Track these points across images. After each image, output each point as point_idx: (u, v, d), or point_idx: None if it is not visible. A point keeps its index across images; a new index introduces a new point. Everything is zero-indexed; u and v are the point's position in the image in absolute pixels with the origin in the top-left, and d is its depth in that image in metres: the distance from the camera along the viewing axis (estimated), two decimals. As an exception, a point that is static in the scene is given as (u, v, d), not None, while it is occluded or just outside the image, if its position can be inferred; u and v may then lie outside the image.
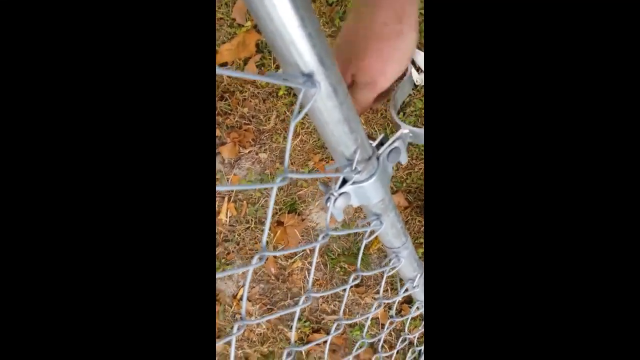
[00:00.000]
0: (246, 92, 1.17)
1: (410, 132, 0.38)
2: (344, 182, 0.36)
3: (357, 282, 0.46)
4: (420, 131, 0.37)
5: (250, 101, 1.16)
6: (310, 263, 1.08)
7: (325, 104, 0.27)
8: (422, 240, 1.04)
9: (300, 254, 1.09)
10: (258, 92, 1.16)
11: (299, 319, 1.07)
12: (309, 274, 1.08)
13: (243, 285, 1.11)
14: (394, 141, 0.37)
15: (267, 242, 1.08)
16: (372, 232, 0.44)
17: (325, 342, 0.50)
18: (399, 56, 0.34)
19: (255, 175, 1.12)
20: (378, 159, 0.37)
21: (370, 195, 0.38)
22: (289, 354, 0.40)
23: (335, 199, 0.36)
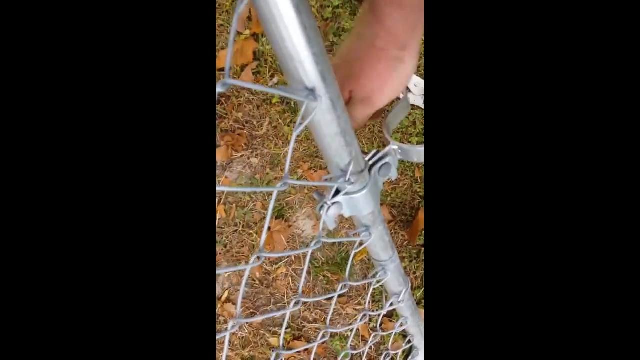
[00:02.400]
0: (242, 97, 1.18)
1: (400, 149, 0.40)
2: (337, 192, 0.37)
3: (344, 291, 0.48)
4: (409, 148, 0.39)
5: (245, 106, 1.18)
6: (295, 270, 1.09)
7: (324, 117, 0.29)
8: (404, 254, 1.06)
9: (285, 260, 1.09)
10: (253, 99, 1.18)
11: (281, 325, 1.07)
12: (293, 280, 1.08)
13: (228, 288, 1.10)
14: (384, 156, 0.39)
15: (253, 246, 1.08)
16: (361, 243, 0.45)
17: (306, 350, 0.51)
18: (397, 79, 0.35)
19: (245, 180, 1.13)
20: (370, 172, 0.39)
21: (361, 206, 0.39)
22: (277, 356, 0.41)
23: (329, 208, 0.37)
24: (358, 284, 0.53)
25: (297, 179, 1.12)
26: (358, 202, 0.39)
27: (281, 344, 0.38)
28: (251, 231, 1.11)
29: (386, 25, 0.32)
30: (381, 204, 1.09)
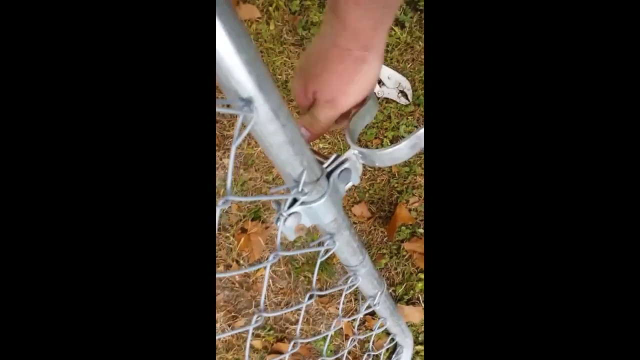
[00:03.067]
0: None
1: (360, 153, 0.38)
2: (295, 202, 0.35)
3: (312, 300, 0.46)
4: (370, 152, 0.37)
5: (216, 106, 1.14)
6: (275, 271, 1.07)
7: (266, 128, 0.27)
8: (384, 250, 1.05)
9: (265, 261, 1.07)
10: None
11: (263, 327, 1.06)
12: (273, 282, 1.07)
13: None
14: (342, 162, 0.37)
15: (230, 249, 1.05)
16: (326, 251, 0.44)
17: (289, 353, 0.49)
18: (361, 80, 0.33)
19: (219, 181, 1.10)
20: (329, 179, 0.37)
21: (321, 215, 0.38)
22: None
23: (285, 219, 0.35)
24: (327, 292, 0.52)
25: (273, 179, 1.10)
26: (317, 211, 0.37)
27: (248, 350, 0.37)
28: (227, 234, 1.08)
29: (346, 24, 0.30)
30: (359, 201, 1.08)
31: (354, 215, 1.06)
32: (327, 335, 0.54)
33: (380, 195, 1.07)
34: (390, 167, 1.09)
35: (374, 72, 0.33)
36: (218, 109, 0.23)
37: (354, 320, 1.01)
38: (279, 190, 0.33)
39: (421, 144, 0.35)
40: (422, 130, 0.35)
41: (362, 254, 0.50)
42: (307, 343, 1.05)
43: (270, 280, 1.07)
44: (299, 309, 1.04)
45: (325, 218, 0.38)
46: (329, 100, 0.34)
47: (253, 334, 1.06)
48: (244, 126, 0.26)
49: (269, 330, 1.05)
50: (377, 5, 0.29)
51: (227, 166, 1.12)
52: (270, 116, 0.26)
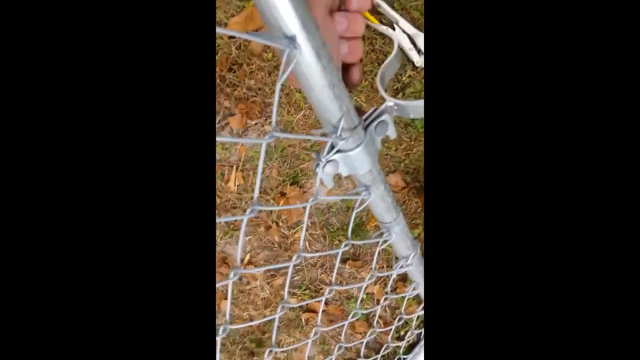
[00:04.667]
0: (253, 64, 1.17)
1: (396, 105, 0.38)
2: (333, 149, 0.37)
3: (347, 248, 0.48)
4: (406, 104, 0.37)
5: (257, 74, 1.16)
6: (312, 234, 1.11)
7: (308, 68, 0.28)
8: (418, 221, 1.05)
9: (302, 225, 1.12)
10: (264, 65, 1.16)
11: (299, 287, 1.12)
12: (309, 244, 1.11)
13: (250, 251, 1.15)
14: (380, 114, 0.38)
15: (270, 211, 1.09)
16: (362, 202, 0.45)
17: (322, 310, 0.53)
18: None
19: (259, 147, 1.14)
20: (366, 130, 0.38)
21: (357, 165, 0.39)
22: (282, 308, 0.43)
23: (324, 165, 0.37)
24: (361, 242, 0.54)
25: (311, 146, 1.12)
26: (354, 160, 0.38)
27: (285, 297, 0.40)
28: (268, 197, 1.13)
29: None
30: (394, 171, 1.07)
31: (389, 184, 1.06)
32: (361, 288, 0.56)
33: (416, 165, 1.06)
34: (431, 135, 1.06)
35: None
36: (264, 41, 0.25)
37: (386, 283, 1.03)
38: (319, 133, 0.34)
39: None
40: None
41: (397, 212, 0.51)
42: (340, 305, 1.09)
43: (307, 243, 1.11)
44: (333, 264, 1.08)
45: (362, 168, 0.40)
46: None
47: (290, 292, 1.12)
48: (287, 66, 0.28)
49: (305, 290, 1.11)
50: None
51: (268, 132, 1.15)
52: (312, 56, 0.27)
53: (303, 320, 1.11)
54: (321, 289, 1.10)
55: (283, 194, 1.12)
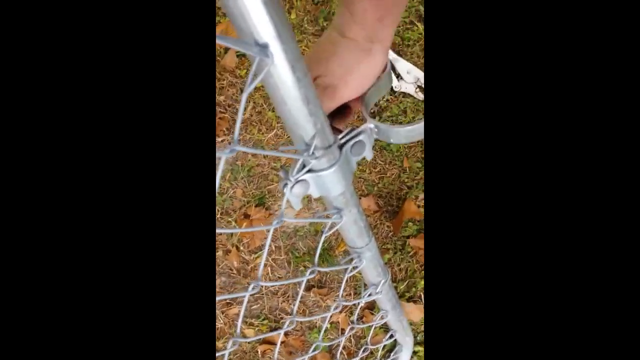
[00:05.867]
0: (224, 80, 1.14)
1: (376, 128, 0.37)
2: (304, 169, 0.34)
3: (312, 275, 0.45)
4: (387, 128, 0.36)
5: (228, 90, 1.13)
6: (275, 260, 1.06)
7: (281, 79, 0.26)
8: (389, 246, 1.04)
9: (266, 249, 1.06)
10: (236, 82, 1.13)
11: (257, 316, 1.05)
12: (272, 270, 1.05)
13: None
14: (357, 134, 0.36)
15: (231, 234, 1.03)
16: (332, 226, 0.42)
17: (281, 342, 0.48)
18: (363, 71, 0.34)
19: (226, 165, 1.09)
20: (341, 150, 0.36)
21: (330, 186, 0.36)
22: (234, 343, 0.38)
23: (293, 185, 0.34)
24: (329, 269, 0.50)
25: (281, 166, 1.09)
26: (326, 181, 0.36)
27: (238, 330, 0.36)
28: (230, 219, 1.07)
29: (354, 15, 0.31)
30: (367, 194, 1.06)
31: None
32: (325, 318, 0.53)
33: (389, 189, 1.05)
34: (402, 161, 1.07)
35: (376, 65, 0.34)
36: (232, 45, 0.22)
37: (352, 312, 0.99)
38: (289, 150, 0.32)
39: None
40: None
41: (369, 237, 0.49)
42: (301, 335, 1.03)
43: (269, 269, 1.05)
44: (296, 292, 1.03)
45: (334, 190, 0.37)
46: (329, 87, 0.34)
47: (246, 322, 1.05)
48: (255, 76, 0.25)
49: (263, 320, 1.04)
50: None
51: (235, 150, 1.11)
52: (286, 67, 0.25)
53: (259, 352, 1.03)
54: (281, 318, 1.04)
55: (247, 216, 1.07)
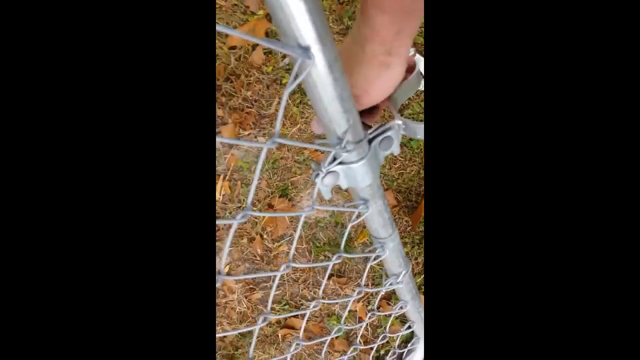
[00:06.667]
0: (252, 76, 1.17)
1: (404, 124, 0.39)
2: (335, 160, 0.37)
3: (339, 261, 0.48)
4: (414, 125, 0.38)
5: (255, 86, 1.17)
6: (297, 248, 1.10)
7: (320, 79, 0.29)
8: (406, 239, 1.06)
9: (288, 237, 1.10)
10: (263, 78, 1.17)
11: (279, 302, 1.09)
12: (294, 258, 1.09)
13: (229, 263, 1.12)
14: (386, 130, 0.39)
15: (255, 222, 1.08)
16: (358, 215, 0.45)
17: (305, 322, 0.52)
18: (384, 83, 0.36)
19: (251, 158, 1.13)
20: (370, 145, 0.38)
21: (358, 177, 0.39)
22: (264, 320, 0.41)
23: (324, 176, 0.37)
24: (354, 256, 0.53)
25: (304, 160, 1.12)
26: (356, 173, 0.38)
27: (269, 308, 0.39)
28: (255, 208, 1.12)
29: (373, 28, 0.32)
30: (387, 189, 1.08)
31: (380, 202, 1.08)
32: (346, 304, 0.55)
33: (409, 185, 1.07)
34: (422, 158, 1.08)
35: (395, 76, 0.36)
36: (278, 47, 0.25)
37: (369, 301, 1.02)
38: (324, 143, 0.34)
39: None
40: None
41: (393, 228, 0.51)
42: (320, 322, 1.07)
43: (291, 257, 1.09)
44: (316, 280, 1.06)
45: (363, 182, 0.40)
46: (353, 97, 0.36)
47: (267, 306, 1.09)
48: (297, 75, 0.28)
49: (284, 305, 1.09)
50: (400, 12, 0.30)
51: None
52: (325, 67, 0.28)
53: (280, 336, 1.08)
54: (302, 304, 1.08)
55: (271, 206, 1.11)
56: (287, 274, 1.09)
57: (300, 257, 1.10)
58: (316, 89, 0.30)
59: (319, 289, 1.08)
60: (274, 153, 1.13)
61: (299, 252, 1.10)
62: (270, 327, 1.08)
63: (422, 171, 1.08)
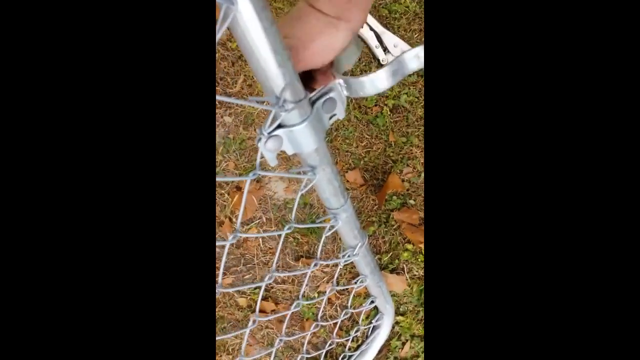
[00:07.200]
0: (216, 53, 1.14)
1: (345, 83, 0.38)
2: (275, 122, 0.36)
3: (289, 231, 0.47)
4: (356, 80, 0.37)
5: (220, 63, 1.14)
6: (266, 231, 1.09)
7: (247, 27, 0.27)
8: (374, 218, 1.06)
9: (257, 221, 1.09)
10: (227, 55, 1.14)
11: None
12: (263, 241, 1.08)
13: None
14: (327, 91, 0.38)
15: (224, 205, 1.06)
16: (307, 183, 0.44)
17: (272, 310, 0.51)
18: (324, 41, 0.35)
19: (218, 139, 1.10)
20: (313, 106, 0.37)
21: (302, 142, 0.38)
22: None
23: (266, 140, 0.36)
24: (304, 226, 0.53)
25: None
26: (298, 137, 0.37)
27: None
28: (222, 191, 1.09)
29: None
30: (354, 168, 1.08)
31: (347, 181, 1.07)
32: (310, 296, 0.55)
33: (375, 163, 1.07)
34: (388, 136, 1.09)
35: (338, 39, 0.35)
36: None
37: (338, 282, 1.02)
38: (259, 100, 0.33)
39: (404, 71, 0.36)
40: (404, 55, 0.35)
41: (344, 198, 0.51)
42: (291, 304, 1.07)
43: (260, 240, 1.08)
44: (286, 262, 1.06)
45: (307, 147, 0.39)
46: (290, 48, 0.36)
47: (239, 292, 1.09)
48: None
49: (255, 289, 1.08)
50: None
51: (227, 124, 1.12)
52: (252, 14, 0.27)
53: (251, 321, 1.07)
54: (272, 287, 1.08)
55: (239, 188, 1.09)
56: (257, 258, 1.09)
57: (269, 239, 1.09)
58: (245, 39, 0.28)
59: (287, 271, 1.08)
60: (240, 133, 1.11)
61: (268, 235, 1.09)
62: (240, 311, 1.07)
63: (387, 149, 1.08)
